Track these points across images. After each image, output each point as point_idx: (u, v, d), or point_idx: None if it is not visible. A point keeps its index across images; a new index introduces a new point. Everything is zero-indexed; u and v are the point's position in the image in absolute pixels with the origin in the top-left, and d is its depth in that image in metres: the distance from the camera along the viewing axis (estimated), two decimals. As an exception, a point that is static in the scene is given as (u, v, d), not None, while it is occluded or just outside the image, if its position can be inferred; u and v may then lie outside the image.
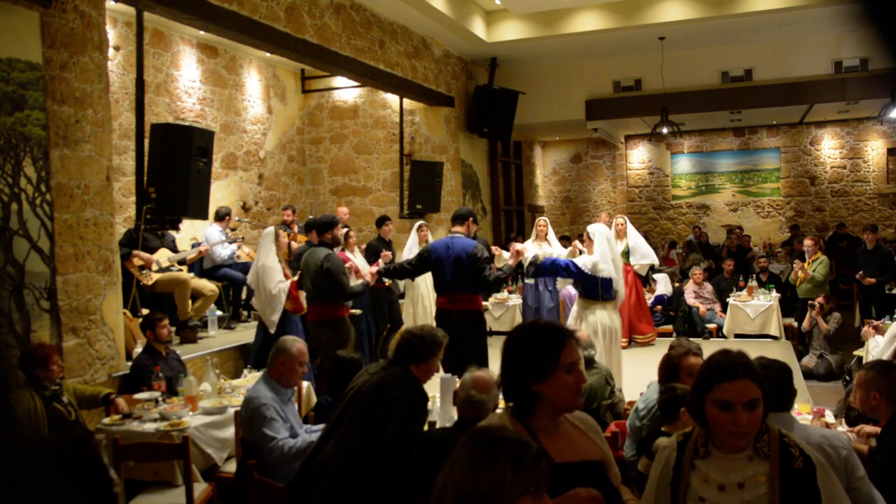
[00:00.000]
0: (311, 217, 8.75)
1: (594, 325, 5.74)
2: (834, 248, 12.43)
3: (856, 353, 6.77)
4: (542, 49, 11.18)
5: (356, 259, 7.01)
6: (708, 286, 9.60)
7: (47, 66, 4.63)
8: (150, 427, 4.13)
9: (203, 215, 6.03)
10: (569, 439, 2.02)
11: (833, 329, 7.71)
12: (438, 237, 7.19)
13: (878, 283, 8.66)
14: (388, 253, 7.70)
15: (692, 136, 16.07)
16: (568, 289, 8.68)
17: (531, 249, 7.76)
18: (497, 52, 11.27)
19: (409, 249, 7.94)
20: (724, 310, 9.07)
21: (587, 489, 1.73)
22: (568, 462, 1.93)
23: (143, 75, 5.90)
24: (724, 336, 8.88)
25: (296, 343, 3.80)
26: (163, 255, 6.68)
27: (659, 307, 9.55)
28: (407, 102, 10.47)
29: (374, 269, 6.15)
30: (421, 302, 8.15)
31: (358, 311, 6.65)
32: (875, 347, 5.73)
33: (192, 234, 8.36)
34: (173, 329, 5.61)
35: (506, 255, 8.06)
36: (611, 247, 5.81)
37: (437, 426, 4.03)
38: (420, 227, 8.23)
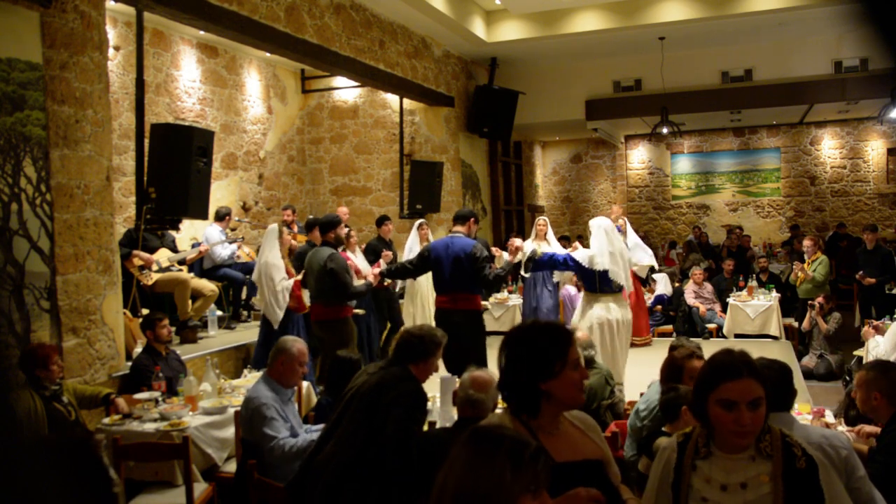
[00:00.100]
0: (311, 216, 8.75)
1: (590, 318, 5.75)
2: (834, 248, 12.43)
3: (856, 353, 6.77)
4: (542, 49, 11.18)
5: (357, 259, 7.01)
6: (708, 286, 9.60)
7: (47, 66, 4.63)
8: (150, 427, 4.12)
9: (203, 215, 6.03)
10: (569, 438, 2.02)
11: (833, 329, 7.71)
12: (439, 237, 7.20)
13: (878, 283, 8.66)
14: (389, 253, 7.70)
15: (692, 136, 16.07)
16: (567, 289, 8.68)
17: (530, 248, 7.77)
18: (497, 52, 11.27)
19: (410, 248, 7.94)
20: (724, 310, 9.07)
21: (587, 489, 1.74)
22: (568, 461, 1.94)
23: (143, 75, 5.90)
24: (724, 336, 8.88)
25: (296, 343, 3.80)
26: (163, 255, 6.68)
27: (659, 307, 9.55)
28: (407, 102, 10.47)
29: (377, 270, 6.15)
30: (421, 302, 8.14)
31: (361, 311, 6.65)
32: (875, 347, 5.72)
33: (192, 234, 8.36)
34: (173, 329, 5.61)
35: (506, 255, 8.08)
36: (610, 239, 5.77)
37: (437, 426, 4.03)
38: (420, 225, 8.23)
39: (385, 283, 6.75)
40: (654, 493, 2.04)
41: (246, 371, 5.51)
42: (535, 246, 7.89)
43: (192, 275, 6.95)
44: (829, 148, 15.41)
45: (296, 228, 8.69)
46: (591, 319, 5.74)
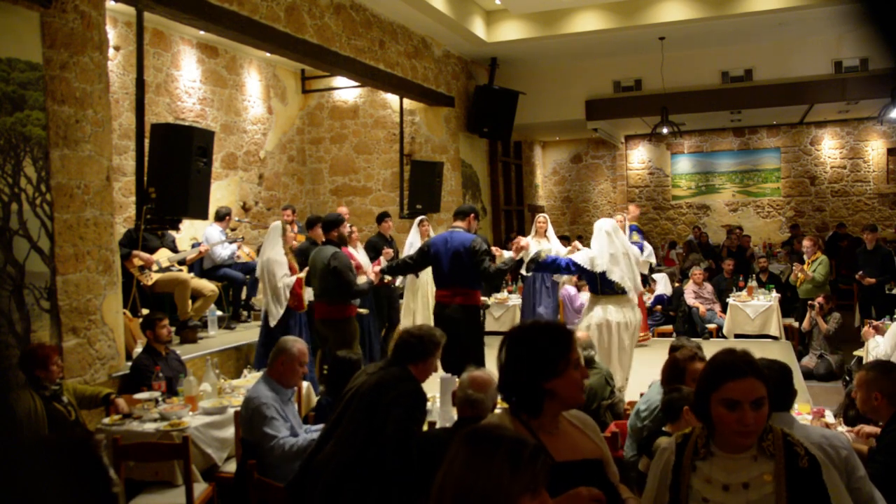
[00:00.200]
0: (310, 215, 8.74)
1: (589, 320, 5.76)
2: (834, 248, 12.43)
3: (856, 353, 6.77)
4: (542, 49, 11.18)
5: (359, 255, 7.02)
6: (708, 286, 9.60)
7: (47, 66, 4.63)
8: (150, 427, 4.12)
9: (203, 215, 6.04)
10: (568, 438, 2.03)
11: (833, 329, 7.71)
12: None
13: (877, 283, 8.66)
14: (390, 250, 7.69)
15: (692, 136, 16.07)
16: (567, 289, 8.68)
17: (524, 241, 7.77)
18: (497, 52, 11.27)
19: (411, 245, 7.94)
20: (724, 310, 9.07)
21: (588, 488, 1.74)
22: (568, 461, 1.95)
23: (143, 75, 5.90)
24: (724, 336, 8.88)
25: (296, 343, 3.80)
26: (163, 255, 6.68)
27: (659, 307, 9.55)
28: (407, 102, 10.47)
29: (377, 267, 6.16)
30: (422, 299, 8.14)
31: (365, 311, 6.66)
32: (875, 347, 5.72)
33: (192, 234, 8.36)
34: (173, 329, 5.61)
35: (506, 254, 8.08)
36: (610, 240, 5.74)
37: (437, 426, 4.03)
38: (421, 222, 8.24)
39: (386, 281, 6.75)
40: (652, 493, 2.04)
41: (246, 371, 5.51)
42: (536, 243, 7.91)
43: (192, 275, 6.95)
44: (829, 148, 15.41)
45: (295, 229, 8.68)
46: (589, 320, 5.75)
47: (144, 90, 5.96)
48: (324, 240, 6.55)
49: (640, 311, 5.95)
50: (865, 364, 3.63)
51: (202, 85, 9.25)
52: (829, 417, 4.05)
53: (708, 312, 9.22)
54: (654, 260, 9.00)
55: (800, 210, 15.59)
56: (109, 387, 4.85)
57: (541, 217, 8.35)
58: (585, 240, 13.03)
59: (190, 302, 6.65)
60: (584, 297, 9.06)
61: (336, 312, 5.85)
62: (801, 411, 4.03)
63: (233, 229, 8.52)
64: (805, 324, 8.01)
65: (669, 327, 9.31)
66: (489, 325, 8.57)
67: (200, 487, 3.98)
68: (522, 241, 5.97)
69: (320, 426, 3.63)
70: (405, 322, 7.92)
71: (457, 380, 3.32)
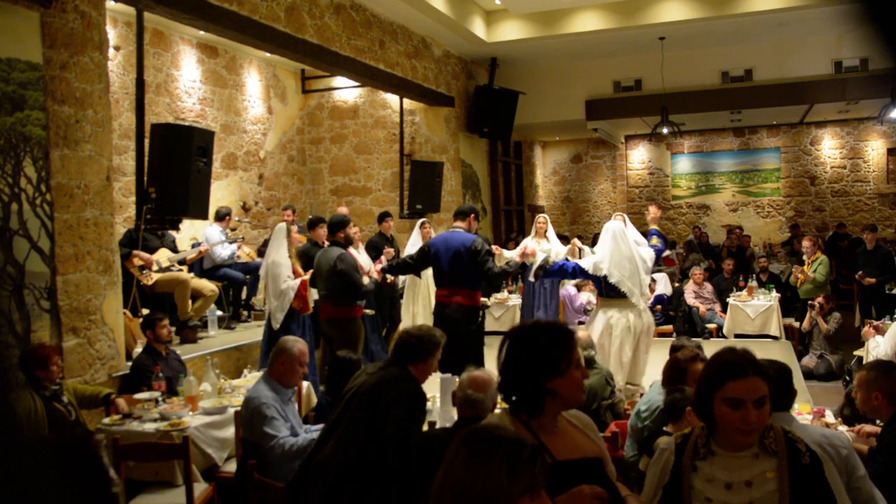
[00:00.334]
0: (311, 216, 8.74)
1: (593, 321, 5.77)
2: (834, 248, 12.43)
3: (856, 353, 6.77)
4: (542, 49, 11.18)
5: (360, 256, 7.02)
6: (708, 286, 9.60)
7: (47, 66, 4.63)
8: (150, 427, 4.12)
9: (203, 215, 6.03)
10: (568, 437, 2.03)
11: (833, 329, 7.71)
12: (440, 236, 7.20)
13: (878, 283, 8.66)
14: (391, 250, 7.69)
15: (692, 136, 16.07)
16: (567, 288, 8.69)
17: (530, 247, 7.78)
18: (497, 52, 11.27)
19: (412, 247, 7.94)
20: (724, 310, 9.07)
21: (590, 486, 1.75)
22: (569, 459, 1.96)
23: (143, 75, 5.90)
24: (724, 336, 8.88)
25: (296, 343, 3.80)
26: (163, 255, 6.68)
27: (658, 307, 9.55)
28: (407, 102, 10.47)
29: (378, 266, 6.16)
30: (422, 301, 8.15)
31: (371, 312, 6.66)
32: (875, 347, 5.72)
33: (192, 234, 8.36)
34: (173, 329, 5.61)
35: (507, 253, 8.09)
36: (616, 244, 5.72)
37: (437, 426, 4.03)
38: (423, 224, 8.25)
39: (388, 280, 6.76)
40: (651, 493, 2.04)
41: (246, 371, 5.51)
42: (536, 244, 7.91)
43: (192, 275, 6.95)
44: (829, 148, 15.41)
45: (295, 229, 8.68)
46: (594, 322, 5.77)
47: (144, 90, 5.96)
48: (325, 241, 6.57)
49: (648, 314, 5.87)
50: (866, 364, 3.63)
51: (202, 85, 9.25)
52: (830, 417, 4.05)
53: (708, 312, 9.22)
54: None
55: (800, 210, 15.59)
56: (109, 387, 4.85)
57: (541, 218, 8.35)
58: (585, 240, 13.08)
59: (190, 302, 6.65)
60: (584, 297, 9.10)
61: (342, 313, 5.85)
62: (802, 411, 4.03)
63: (233, 229, 8.52)
64: (805, 324, 8.01)
65: (669, 327, 9.31)
66: (489, 325, 8.56)
67: (200, 487, 3.98)
68: (528, 248, 5.98)
69: (320, 426, 3.63)
70: (405, 322, 7.92)
71: (457, 380, 3.32)
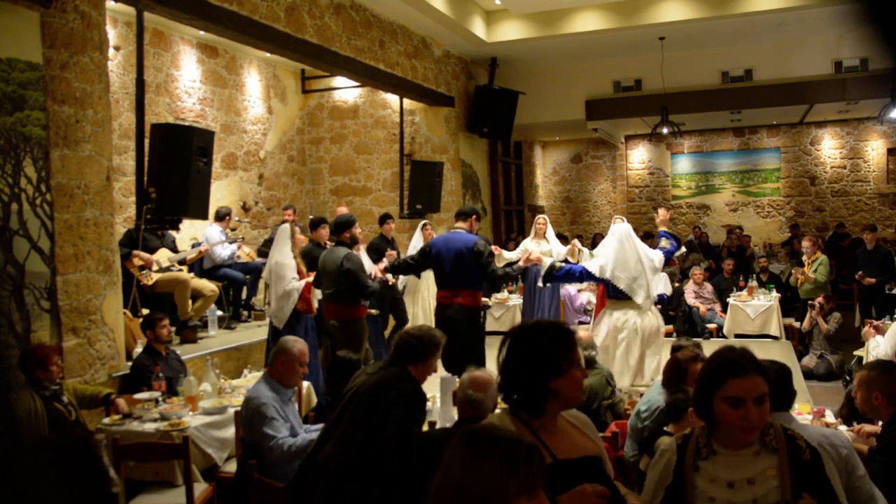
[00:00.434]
0: (311, 216, 8.74)
1: (600, 323, 5.79)
2: (834, 248, 12.43)
3: (856, 353, 6.77)
4: (542, 49, 11.18)
5: (362, 257, 7.02)
6: (708, 286, 9.60)
7: (47, 66, 4.63)
8: (150, 427, 4.12)
9: (203, 215, 6.03)
10: (568, 436, 2.04)
11: (833, 329, 7.71)
12: (441, 236, 7.20)
13: (878, 283, 8.66)
14: (393, 252, 7.70)
15: (692, 136, 16.07)
16: (567, 289, 8.69)
17: (531, 248, 7.79)
18: (497, 52, 11.27)
19: (414, 249, 7.95)
20: (725, 310, 9.07)
21: (593, 484, 1.76)
22: (569, 458, 1.96)
23: (143, 75, 5.90)
24: (724, 336, 8.88)
25: (296, 343, 3.80)
26: (163, 255, 6.68)
27: (658, 307, 9.55)
28: (407, 102, 10.47)
29: (381, 265, 6.17)
30: (422, 302, 8.15)
31: (376, 312, 6.66)
32: (875, 347, 5.72)
33: (192, 234, 8.36)
34: (173, 329, 5.61)
35: (507, 254, 8.10)
36: (621, 246, 5.70)
37: (437, 426, 4.03)
38: (424, 226, 8.26)
39: (390, 282, 6.78)
40: (652, 494, 2.04)
41: (246, 371, 5.51)
42: (535, 244, 7.92)
43: (192, 275, 6.95)
44: (829, 148, 15.41)
45: (299, 230, 8.67)
46: (600, 324, 5.82)
47: (144, 90, 5.96)
48: (326, 241, 6.58)
49: (655, 314, 5.87)
50: (866, 364, 3.63)
51: (202, 85, 9.25)
52: (830, 417, 4.05)
53: (708, 312, 9.22)
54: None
55: (800, 210, 15.59)
56: (109, 387, 4.85)
57: (540, 218, 8.36)
58: (585, 240, 13.08)
59: (190, 302, 6.65)
60: (584, 297, 9.10)
61: (348, 313, 5.85)
62: (802, 411, 4.03)
63: (233, 229, 8.52)
64: (805, 324, 8.01)
65: (670, 327, 9.30)
66: (489, 324, 8.57)
67: (200, 487, 3.98)
68: (533, 254, 5.98)
69: (320, 426, 3.63)
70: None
71: (457, 380, 3.32)
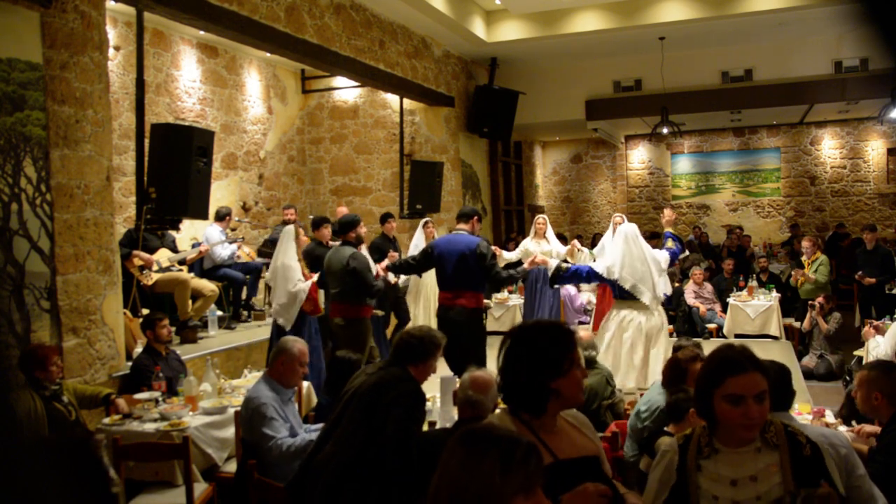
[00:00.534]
0: (311, 216, 8.74)
1: (609, 322, 5.81)
2: (834, 248, 12.43)
3: (856, 353, 6.77)
4: (542, 49, 11.18)
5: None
6: (708, 286, 9.60)
7: (47, 66, 4.63)
8: (150, 427, 4.13)
9: (203, 215, 6.03)
10: (567, 436, 2.04)
11: (833, 329, 7.71)
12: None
13: (878, 283, 8.66)
14: (395, 254, 7.70)
15: (692, 136, 16.07)
16: (567, 289, 8.68)
17: (530, 248, 7.79)
18: (497, 52, 11.27)
19: (415, 247, 7.97)
20: (725, 310, 9.07)
21: (594, 484, 1.76)
22: (569, 458, 1.97)
23: (143, 75, 5.90)
24: (724, 336, 8.88)
25: (296, 343, 3.80)
26: (163, 255, 6.68)
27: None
28: (407, 102, 10.47)
29: (383, 265, 6.18)
30: (424, 302, 8.14)
31: (380, 312, 6.66)
32: (875, 347, 5.72)
33: (193, 234, 8.36)
34: (173, 329, 5.61)
35: (507, 255, 8.10)
36: (628, 247, 5.70)
37: (437, 426, 4.03)
38: (426, 223, 8.26)
39: (391, 282, 6.78)
40: (653, 494, 2.04)
41: (246, 371, 5.51)
42: (535, 244, 7.92)
43: (192, 275, 6.95)
44: (829, 148, 15.41)
45: (302, 231, 8.67)
46: (608, 323, 5.86)
47: (144, 90, 5.96)
48: (328, 240, 6.58)
49: (660, 315, 5.87)
50: (866, 364, 3.63)
51: (202, 85, 9.25)
52: (830, 417, 4.05)
53: (708, 312, 9.22)
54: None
55: (800, 210, 15.59)
56: (109, 387, 4.85)
57: (540, 218, 8.36)
58: (585, 240, 13.08)
59: (190, 302, 6.65)
60: (584, 297, 9.10)
61: (353, 312, 5.85)
62: (802, 411, 4.03)
63: (233, 229, 8.52)
64: (805, 324, 8.01)
65: (670, 327, 9.30)
66: (489, 325, 8.58)
67: (200, 487, 3.98)
68: (538, 257, 6.00)
69: (320, 426, 3.63)
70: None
71: (457, 380, 3.32)
